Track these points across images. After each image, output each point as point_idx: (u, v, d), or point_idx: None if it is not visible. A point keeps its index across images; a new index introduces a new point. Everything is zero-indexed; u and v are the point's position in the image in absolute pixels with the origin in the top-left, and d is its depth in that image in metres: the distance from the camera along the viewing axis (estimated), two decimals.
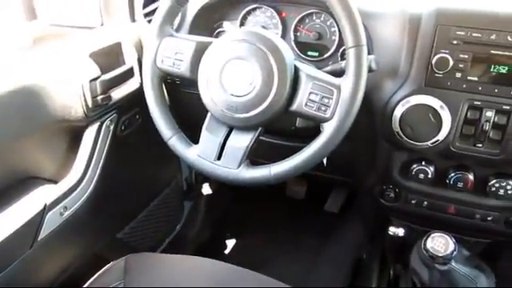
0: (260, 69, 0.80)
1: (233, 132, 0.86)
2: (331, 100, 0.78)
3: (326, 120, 0.79)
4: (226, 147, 0.86)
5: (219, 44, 0.85)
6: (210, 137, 0.88)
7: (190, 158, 0.89)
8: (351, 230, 1.64)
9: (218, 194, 1.76)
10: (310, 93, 0.79)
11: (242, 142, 0.85)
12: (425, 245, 0.93)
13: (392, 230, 1.08)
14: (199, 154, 0.88)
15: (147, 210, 1.40)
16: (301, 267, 1.61)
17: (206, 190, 1.70)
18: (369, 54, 0.88)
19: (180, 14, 1.10)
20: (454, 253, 0.91)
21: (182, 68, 0.88)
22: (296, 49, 1.07)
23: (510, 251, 1.39)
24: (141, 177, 1.33)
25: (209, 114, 0.88)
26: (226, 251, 1.76)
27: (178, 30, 1.11)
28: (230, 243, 1.79)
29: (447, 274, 0.97)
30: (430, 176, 1.00)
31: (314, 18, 1.06)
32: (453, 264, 0.95)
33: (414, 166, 1.01)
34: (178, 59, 0.89)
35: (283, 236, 1.78)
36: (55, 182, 1.02)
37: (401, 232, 1.07)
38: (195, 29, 1.10)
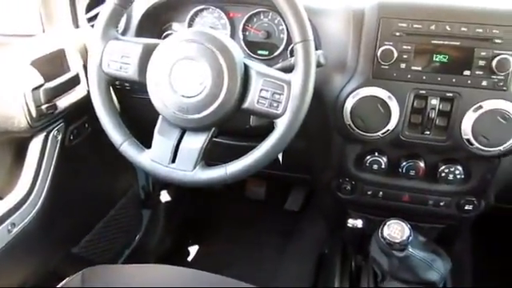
0: (209, 68, 0.79)
1: (186, 134, 0.85)
2: (282, 96, 0.78)
3: (278, 116, 0.79)
4: (179, 150, 0.85)
5: (166, 45, 0.84)
6: (162, 140, 0.86)
7: (144, 163, 0.87)
8: (313, 227, 1.65)
9: (177, 200, 1.73)
10: (261, 90, 0.79)
11: (195, 143, 0.84)
12: (382, 233, 0.95)
13: (351, 222, 1.10)
14: (153, 158, 0.86)
15: (104, 222, 1.35)
16: (265, 267, 1.61)
17: (165, 197, 1.67)
18: (317, 49, 0.90)
19: (125, 17, 1.08)
20: (410, 238, 0.93)
21: (130, 71, 0.86)
22: (246, 48, 1.07)
23: (464, 235, 1.45)
24: (94, 187, 1.28)
25: (160, 117, 0.86)
26: (189, 258, 1.73)
27: (124, 33, 1.08)
28: (193, 250, 1.77)
29: (405, 260, 1.00)
30: (383, 166, 1.02)
31: (262, 17, 1.06)
32: (410, 250, 0.98)
33: (368, 157, 1.03)
34: (124, 62, 0.86)
35: (246, 238, 1.77)
36: (0, 198, 0.97)
37: (359, 223, 1.09)
38: (142, 31, 1.08)
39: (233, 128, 1.07)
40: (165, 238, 1.69)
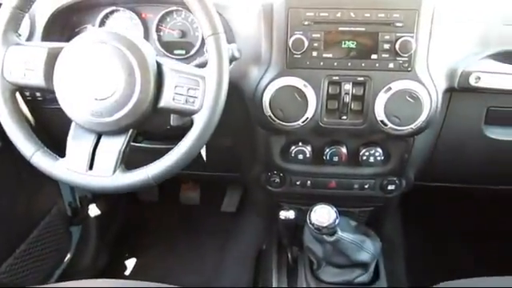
0: (120, 68, 0.77)
1: (102, 138, 0.82)
2: (198, 91, 0.78)
3: (195, 112, 0.78)
4: (96, 155, 0.81)
5: (72, 48, 0.80)
6: (77, 147, 0.82)
7: (59, 173, 0.82)
8: (250, 225, 1.66)
9: (108, 213, 1.66)
10: (176, 86, 0.78)
11: (113, 147, 0.81)
12: (310, 219, 0.96)
13: (283, 214, 1.11)
14: (68, 166, 0.82)
15: (26, 244, 1.27)
16: (205, 272, 1.59)
17: (94, 211, 1.60)
18: (230, 43, 0.90)
19: (30, 22, 1.02)
20: (337, 221, 0.96)
21: (35, 78, 0.82)
22: (161, 48, 1.05)
23: (392, 215, 1.52)
24: (11, 208, 1.20)
25: (73, 124, 0.83)
26: (127, 272, 1.67)
27: (29, 38, 1.03)
28: (130, 263, 1.71)
29: (336, 244, 1.02)
30: (308, 155, 1.04)
31: (175, 16, 1.05)
32: (340, 233, 1.00)
33: (293, 148, 1.04)
34: (28, 69, 0.82)
35: (185, 244, 1.74)
36: None
37: (291, 215, 1.10)
38: (50, 35, 1.03)
39: (155, 130, 1.05)
40: (98, 254, 1.62)
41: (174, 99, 0.79)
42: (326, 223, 0.94)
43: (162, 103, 0.79)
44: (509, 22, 0.96)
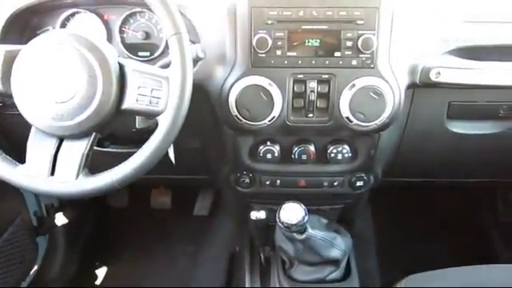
0: (81, 70, 0.76)
1: (64, 142, 0.80)
2: (161, 92, 0.77)
3: (159, 113, 0.77)
4: (58, 160, 0.79)
5: (31, 50, 0.78)
6: (37, 152, 0.80)
7: (18, 179, 0.80)
8: (223, 228, 1.65)
9: (76, 221, 1.62)
10: (139, 87, 0.78)
11: (75, 151, 0.79)
12: (279, 217, 0.96)
13: (253, 214, 1.10)
14: (28, 172, 0.80)
15: None
16: (179, 277, 1.57)
17: (61, 220, 1.55)
18: (194, 43, 0.90)
19: None
20: (306, 218, 0.96)
21: None
22: (125, 51, 1.04)
23: (363, 212, 1.54)
24: None
25: (33, 128, 0.80)
26: (98, 282, 1.63)
27: None
28: (101, 272, 1.67)
29: (307, 242, 1.02)
30: (276, 155, 1.04)
31: (138, 17, 1.04)
32: (310, 231, 1.00)
33: (261, 147, 1.04)
34: None
35: (157, 250, 1.72)
36: None
37: (262, 215, 1.10)
38: (8, 38, 0.99)
39: (120, 133, 1.03)
40: (67, 264, 1.57)
41: (137, 100, 0.78)
42: (295, 221, 0.95)
43: (125, 105, 0.78)
44: (467, 19, 0.99)
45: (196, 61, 0.89)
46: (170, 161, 1.02)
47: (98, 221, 1.76)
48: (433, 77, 0.96)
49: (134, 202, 1.81)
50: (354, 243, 1.35)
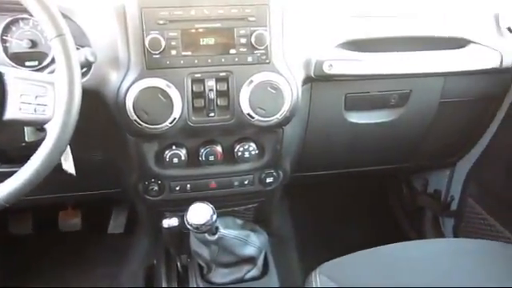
0: None
1: None
2: (47, 98, 0.73)
3: (47, 121, 0.73)
4: None
5: None
6: None
7: None
8: (139, 243, 1.58)
9: None
10: (22, 95, 0.73)
11: None
12: (187, 219, 0.94)
13: (166, 222, 1.07)
14: None
15: None
16: None
17: None
18: (84, 47, 0.85)
19: None
20: (214, 217, 0.95)
21: None
22: (10, 61, 0.96)
23: (278, 210, 1.56)
24: None
25: None
26: None
27: None
28: None
29: (221, 242, 1.02)
30: (183, 158, 1.02)
31: (22, 24, 0.97)
32: (222, 231, 1.00)
33: (167, 152, 1.02)
34: None
35: (72, 277, 1.60)
36: None
37: (175, 222, 1.07)
38: None
39: (7, 147, 0.96)
40: None
41: (20, 109, 0.72)
42: (203, 220, 0.93)
43: (8, 115, 0.72)
44: (355, 14, 1.05)
45: (86, 65, 0.84)
46: (71, 174, 0.96)
47: (2, 253, 1.60)
48: (326, 69, 1.00)
49: (40, 226, 1.68)
50: (273, 240, 1.37)
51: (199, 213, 0.94)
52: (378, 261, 1.05)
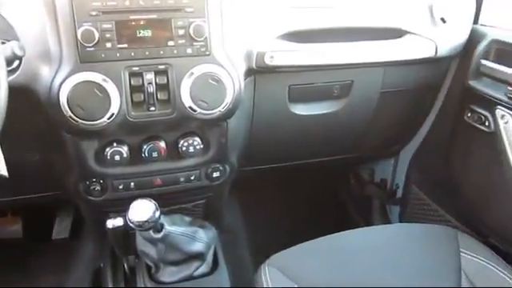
0: None
1: None
2: None
3: None
4: None
5: None
6: None
7: None
8: (85, 247, 1.52)
9: None
10: None
11: None
12: (129, 217, 0.91)
13: (110, 223, 1.03)
14: None
15: None
16: None
17: None
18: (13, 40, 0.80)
19: None
20: (158, 212, 0.92)
21: None
22: None
23: (229, 205, 1.55)
24: None
25: None
26: None
27: None
28: None
29: (167, 239, 0.99)
30: (125, 155, 0.99)
31: None
32: (167, 228, 0.97)
33: (108, 149, 0.98)
34: None
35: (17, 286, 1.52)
36: None
37: (119, 222, 1.03)
38: None
39: None
40: None
41: None
42: (146, 217, 0.90)
43: None
44: (295, 6, 1.05)
45: (13, 59, 0.80)
46: (1, 176, 0.90)
47: None
48: (267, 61, 1.00)
49: None
50: (224, 236, 1.35)
51: (141, 210, 0.91)
52: (326, 249, 1.07)
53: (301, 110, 1.18)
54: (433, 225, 1.19)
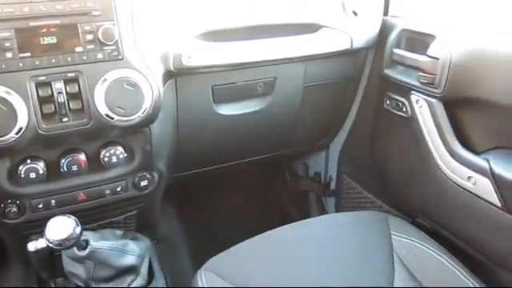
0: None
1: None
2: None
3: None
4: None
5: None
6: None
7: None
8: (11, 272, 1.41)
9: None
10: None
11: None
12: (46, 237, 0.85)
13: (32, 245, 0.96)
14: None
15: None
16: None
17: None
18: None
19: None
20: (78, 229, 0.87)
21: None
22: None
23: (164, 215, 1.50)
24: None
25: None
26: None
27: None
28: None
29: (94, 256, 0.94)
30: (41, 172, 0.93)
31: None
32: (93, 244, 0.92)
33: (21, 167, 0.91)
34: None
35: None
36: None
37: (42, 243, 0.96)
38: None
39: None
40: None
41: None
42: (65, 235, 0.84)
43: None
44: (209, 5, 1.04)
45: None
46: None
47: None
48: (185, 62, 0.98)
49: None
50: (160, 245, 1.31)
51: (60, 227, 0.85)
52: (264, 247, 1.06)
53: (226, 110, 1.17)
54: (364, 211, 1.23)
